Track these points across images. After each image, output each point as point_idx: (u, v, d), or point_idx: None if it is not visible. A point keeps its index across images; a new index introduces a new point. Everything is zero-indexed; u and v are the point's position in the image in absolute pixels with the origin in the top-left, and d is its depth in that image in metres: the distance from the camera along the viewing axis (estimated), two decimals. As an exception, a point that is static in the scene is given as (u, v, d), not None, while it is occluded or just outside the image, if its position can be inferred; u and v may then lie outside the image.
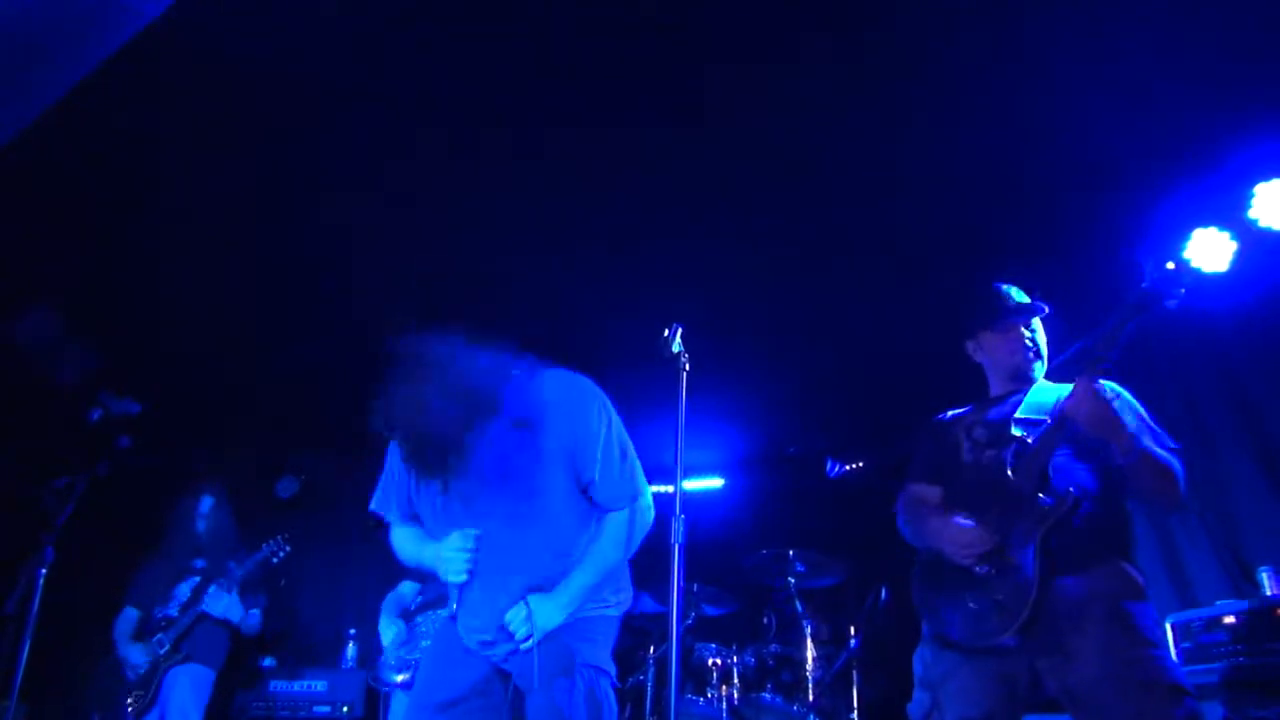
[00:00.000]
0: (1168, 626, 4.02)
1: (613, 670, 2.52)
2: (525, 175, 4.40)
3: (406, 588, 4.84)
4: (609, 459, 2.55)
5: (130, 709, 4.56)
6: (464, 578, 2.47)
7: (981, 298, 3.14)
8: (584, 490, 2.56)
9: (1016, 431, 2.84)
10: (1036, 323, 3.10)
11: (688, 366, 2.53)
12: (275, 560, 4.78)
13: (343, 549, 7.04)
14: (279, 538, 4.79)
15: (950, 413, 3.17)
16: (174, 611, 4.77)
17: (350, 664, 6.17)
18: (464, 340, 2.50)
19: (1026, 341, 3.04)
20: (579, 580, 2.50)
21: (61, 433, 4.72)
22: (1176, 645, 3.94)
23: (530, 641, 2.40)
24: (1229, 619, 3.78)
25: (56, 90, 3.57)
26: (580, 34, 3.64)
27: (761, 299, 5.35)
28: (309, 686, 5.66)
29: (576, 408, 2.56)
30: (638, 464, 2.63)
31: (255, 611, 4.95)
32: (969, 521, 2.77)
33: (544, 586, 2.48)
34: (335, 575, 7.05)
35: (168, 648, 4.67)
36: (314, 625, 6.82)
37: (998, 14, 3.52)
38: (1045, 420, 2.81)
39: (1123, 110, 3.90)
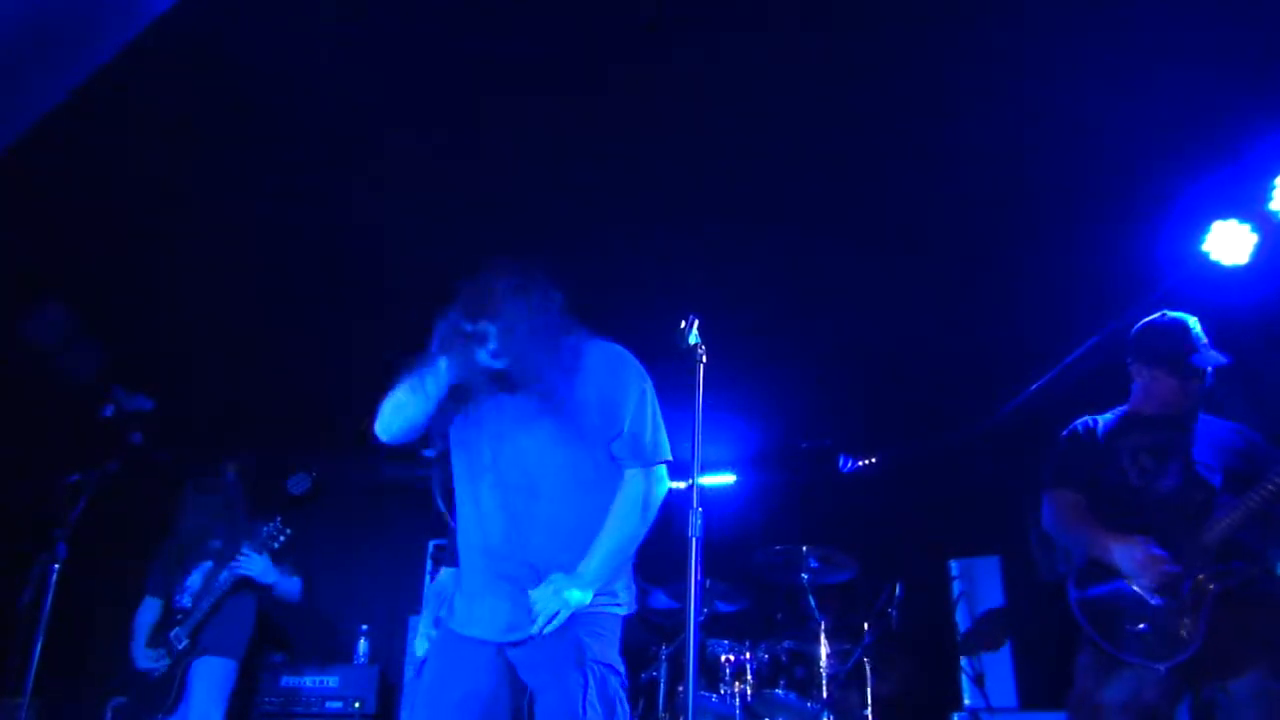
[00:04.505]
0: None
1: (622, 669, 2.49)
2: (538, 170, 4.39)
3: (445, 577, 4.39)
4: (641, 413, 2.56)
5: (158, 708, 4.51)
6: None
7: (1172, 334, 3.19)
8: (611, 444, 2.55)
9: (1204, 471, 3.00)
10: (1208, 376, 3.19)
11: (705, 359, 2.50)
12: (275, 545, 4.74)
13: (355, 545, 7.04)
14: (275, 522, 4.75)
15: (1098, 422, 3.27)
16: (188, 602, 4.70)
17: (363, 659, 6.18)
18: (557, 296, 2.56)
19: (1198, 394, 3.15)
20: (601, 551, 2.46)
21: (74, 429, 4.74)
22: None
23: (559, 619, 2.36)
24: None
25: (67, 87, 3.57)
26: (592, 26, 3.62)
27: (773, 292, 5.33)
28: (321, 682, 5.66)
29: (615, 367, 2.60)
30: (665, 434, 2.62)
31: (296, 580, 4.85)
32: (1160, 550, 2.90)
33: (565, 566, 2.44)
34: (347, 571, 7.05)
35: (186, 642, 4.57)
36: (326, 621, 6.82)
37: (1013, 8, 3.49)
38: (1221, 462, 3.01)
39: (1140, 101, 3.86)
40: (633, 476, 2.57)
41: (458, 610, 2.55)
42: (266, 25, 3.54)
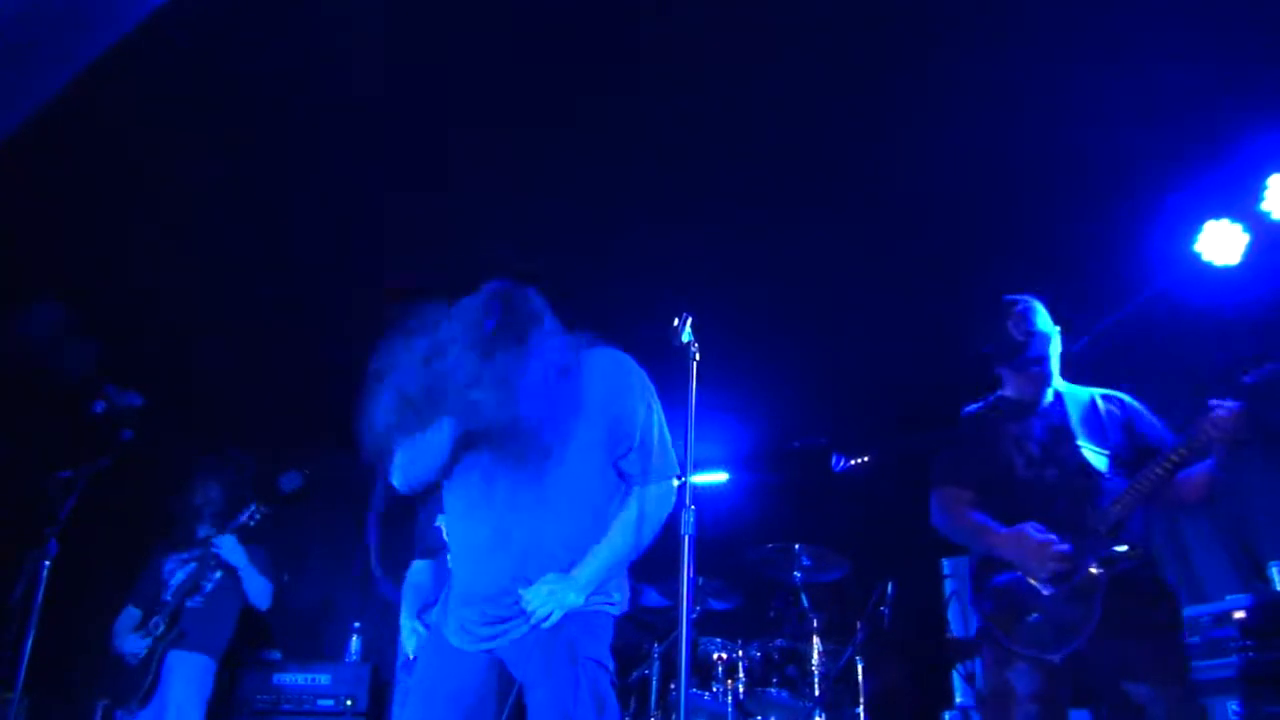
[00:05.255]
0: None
1: (612, 666, 2.48)
2: (531, 167, 4.38)
3: (419, 571, 4.40)
4: (649, 429, 2.54)
5: (133, 696, 4.52)
6: None
7: (991, 328, 3.18)
8: (618, 461, 2.54)
9: (1090, 456, 2.97)
10: (1053, 348, 3.16)
11: (698, 357, 2.51)
12: (252, 523, 4.74)
13: (346, 542, 7.03)
14: (253, 505, 4.76)
15: (976, 410, 3.28)
16: (168, 596, 4.74)
17: (354, 657, 6.16)
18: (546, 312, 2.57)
19: (1040, 377, 3.14)
20: (599, 559, 2.46)
21: (65, 425, 4.72)
22: (1185, 640, 3.92)
23: (553, 619, 2.37)
24: (1239, 614, 3.76)
25: (57, 82, 3.55)
26: (585, 27, 3.62)
27: (767, 291, 5.33)
28: (313, 679, 5.64)
29: (620, 380, 2.58)
30: (673, 449, 2.61)
31: (265, 581, 4.86)
32: (1048, 537, 2.87)
33: (560, 567, 2.43)
34: (339, 569, 7.04)
35: (163, 629, 4.62)
36: (318, 618, 6.81)
37: (1007, 4, 3.50)
38: (1106, 445, 2.98)
39: (1133, 101, 3.87)
40: (640, 492, 2.55)
41: (449, 621, 2.54)
42: (263, 20, 3.53)
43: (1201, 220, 4.31)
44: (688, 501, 2.36)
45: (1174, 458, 2.79)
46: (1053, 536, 2.86)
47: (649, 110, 4.04)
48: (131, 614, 4.85)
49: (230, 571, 4.77)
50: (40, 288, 5.04)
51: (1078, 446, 3.00)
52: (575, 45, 3.73)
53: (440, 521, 4.33)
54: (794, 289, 5.29)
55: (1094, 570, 2.81)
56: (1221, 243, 4.27)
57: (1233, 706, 3.62)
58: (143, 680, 4.54)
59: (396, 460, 2.59)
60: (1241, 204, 4.21)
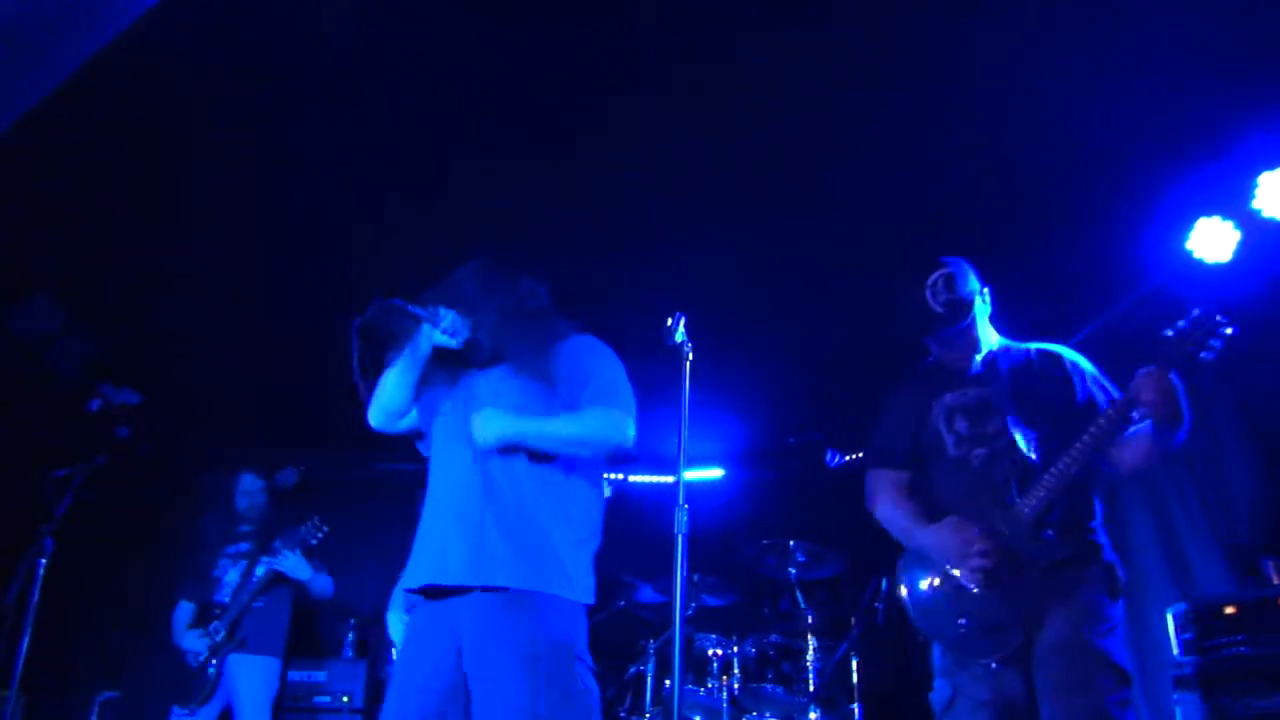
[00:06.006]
0: (1169, 616, 4.02)
1: (585, 655, 2.39)
2: (525, 166, 4.38)
3: None
4: (613, 382, 2.59)
5: (194, 695, 4.61)
6: None
7: (913, 308, 3.02)
8: (579, 399, 2.57)
9: (1019, 439, 2.74)
10: (978, 310, 2.99)
11: (691, 356, 2.52)
12: (313, 541, 4.81)
13: (343, 539, 7.02)
14: (314, 520, 4.83)
15: (907, 379, 3.09)
16: (226, 598, 4.80)
17: (350, 654, 6.17)
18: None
19: (965, 345, 2.96)
20: (539, 422, 2.48)
21: (61, 423, 4.72)
22: (1177, 635, 3.95)
23: (493, 431, 2.42)
24: (1230, 609, 3.78)
25: (54, 78, 3.55)
26: (577, 23, 3.62)
27: (759, 287, 5.33)
28: (308, 676, 5.65)
29: (592, 351, 2.66)
30: (631, 403, 2.59)
31: (328, 577, 4.99)
32: (969, 532, 2.66)
33: (526, 532, 2.41)
34: (334, 565, 7.03)
35: (223, 634, 4.69)
36: (313, 616, 6.81)
37: (1001, 3, 3.50)
38: (1038, 416, 2.75)
39: (1125, 98, 3.88)
40: (591, 406, 2.55)
41: (409, 567, 2.53)
42: (260, 17, 3.53)
43: (1193, 218, 4.32)
44: (681, 500, 2.37)
45: (1095, 432, 2.58)
46: (975, 531, 2.65)
47: (641, 109, 4.05)
48: (186, 608, 4.94)
49: (288, 579, 4.86)
50: (36, 286, 5.04)
51: (1006, 423, 2.77)
52: (572, 46, 3.73)
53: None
54: (788, 284, 5.30)
55: (1021, 562, 2.59)
56: (1213, 240, 4.28)
57: (1225, 701, 3.65)
58: (203, 681, 4.63)
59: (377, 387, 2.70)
60: (1233, 202, 4.22)
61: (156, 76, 3.76)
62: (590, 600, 2.48)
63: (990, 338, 3.01)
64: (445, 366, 2.65)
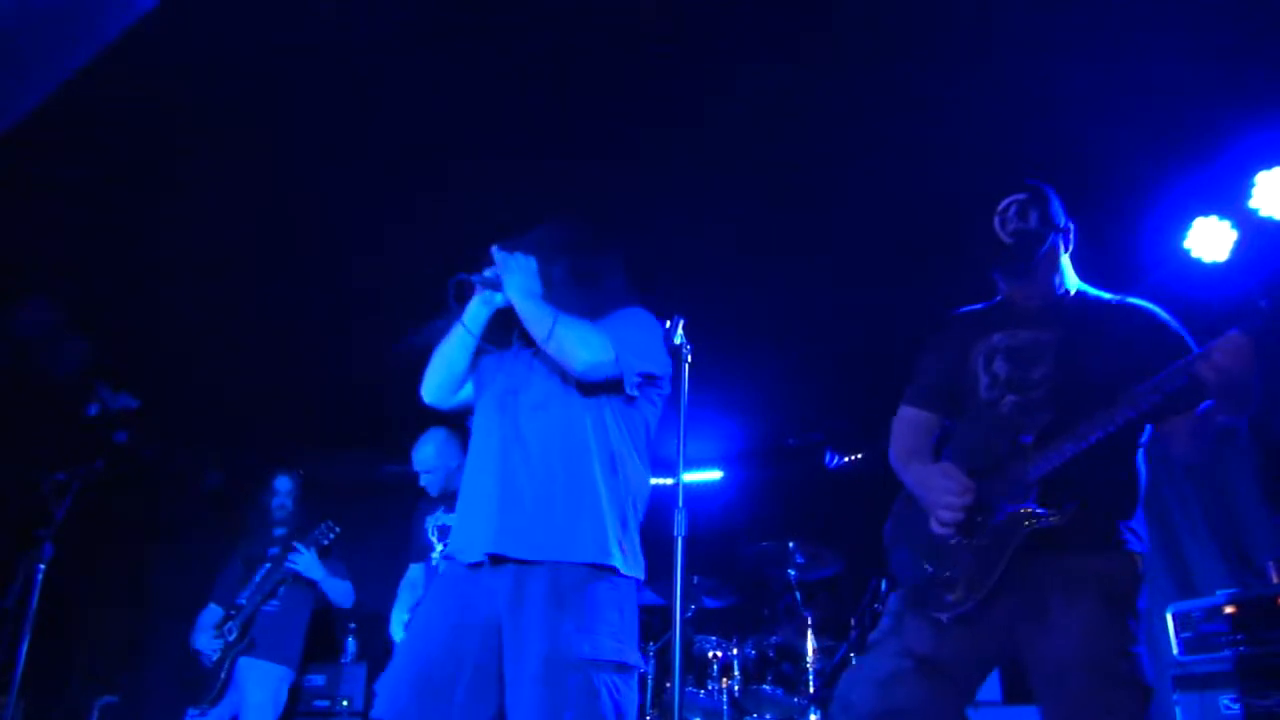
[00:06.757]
0: (1168, 616, 4.03)
1: (633, 657, 2.32)
2: (525, 167, 4.39)
3: (415, 571, 4.67)
4: (622, 323, 2.61)
5: (206, 696, 4.64)
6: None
7: (981, 235, 2.65)
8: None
9: (1060, 393, 2.38)
10: (1057, 243, 2.59)
11: (690, 358, 2.52)
12: (325, 542, 4.83)
13: (343, 542, 7.02)
14: (327, 522, 4.84)
15: (965, 312, 2.75)
16: (243, 599, 4.84)
17: (350, 657, 6.17)
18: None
19: (1031, 283, 2.57)
20: (551, 310, 2.51)
21: (59, 428, 4.72)
22: (1177, 635, 3.95)
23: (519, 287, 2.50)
24: (1230, 609, 3.78)
25: (53, 80, 3.55)
26: (576, 32, 3.63)
27: (758, 289, 5.34)
28: (308, 680, 5.65)
29: (628, 314, 2.68)
30: (636, 352, 2.57)
31: (346, 582, 4.99)
32: (956, 481, 2.40)
33: (559, 498, 2.40)
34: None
35: (236, 634, 4.72)
36: (313, 619, 6.81)
37: (997, 2, 3.51)
38: (1098, 374, 2.33)
39: (1122, 98, 3.89)
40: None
41: (454, 536, 2.50)
42: (259, 17, 3.53)
43: (1190, 217, 4.33)
44: (680, 503, 2.36)
45: (1135, 394, 2.21)
46: (959, 479, 2.38)
47: (639, 111, 4.05)
48: (214, 611, 4.97)
49: (306, 583, 4.87)
50: (34, 288, 5.04)
51: (1050, 373, 2.42)
52: (568, 47, 3.74)
53: (430, 523, 4.45)
54: (788, 287, 5.30)
55: (1009, 523, 2.30)
56: (1210, 239, 4.30)
57: (1225, 701, 3.65)
58: (215, 682, 4.66)
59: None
60: (1230, 201, 4.23)
61: (156, 77, 3.77)
62: (638, 579, 2.46)
63: (1070, 279, 2.62)
64: (498, 339, 2.68)
